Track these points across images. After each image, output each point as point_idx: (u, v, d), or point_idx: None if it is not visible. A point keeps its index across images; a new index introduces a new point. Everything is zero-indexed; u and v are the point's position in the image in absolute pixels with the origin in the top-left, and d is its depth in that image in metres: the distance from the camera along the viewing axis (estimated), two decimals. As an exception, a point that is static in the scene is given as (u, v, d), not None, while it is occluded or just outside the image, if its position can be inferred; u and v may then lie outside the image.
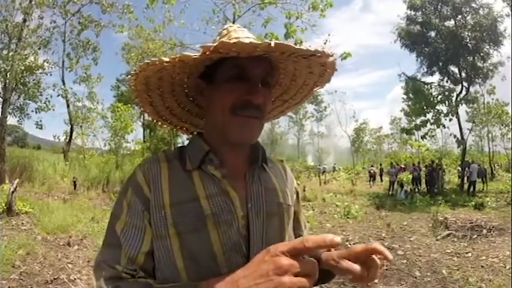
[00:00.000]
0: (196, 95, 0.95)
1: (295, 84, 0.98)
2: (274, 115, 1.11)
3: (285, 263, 0.57)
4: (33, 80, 15.80)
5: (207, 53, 0.71)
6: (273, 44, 0.67)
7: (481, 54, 19.19)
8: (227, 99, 0.82)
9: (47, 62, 16.33)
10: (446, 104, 18.51)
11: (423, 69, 21.09)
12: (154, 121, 1.03)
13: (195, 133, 1.02)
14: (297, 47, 0.71)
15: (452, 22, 19.39)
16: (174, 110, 1.00)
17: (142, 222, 0.80)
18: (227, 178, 0.83)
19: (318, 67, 0.86)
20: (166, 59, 0.75)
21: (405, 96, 23.00)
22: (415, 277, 5.07)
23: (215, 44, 0.68)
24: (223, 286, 0.63)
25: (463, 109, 22.49)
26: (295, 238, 1.04)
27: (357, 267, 0.79)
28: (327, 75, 0.90)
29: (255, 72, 0.81)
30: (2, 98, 13.78)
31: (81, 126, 20.33)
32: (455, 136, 19.09)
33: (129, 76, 0.84)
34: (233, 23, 11.42)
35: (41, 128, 16.37)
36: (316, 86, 0.96)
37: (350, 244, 6.89)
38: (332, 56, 0.79)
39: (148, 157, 0.92)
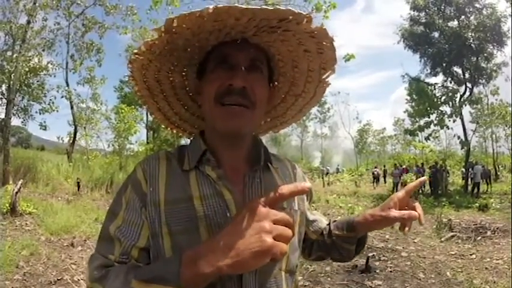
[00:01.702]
0: (197, 96, 0.93)
1: (299, 71, 0.90)
2: (292, 116, 1.04)
3: (266, 225, 0.59)
4: (37, 81, 15.86)
5: (161, 35, 0.70)
6: (211, 9, 0.63)
7: (485, 54, 19.17)
8: (211, 88, 0.79)
9: (51, 64, 16.41)
10: (450, 105, 18.50)
11: (427, 70, 21.15)
12: (169, 128, 1.02)
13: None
14: (259, 7, 0.66)
15: (455, 22, 19.38)
16: (183, 115, 0.99)
17: (140, 219, 0.78)
18: (223, 179, 0.80)
19: (310, 41, 0.79)
20: (135, 51, 0.75)
21: (409, 97, 22.92)
22: (419, 279, 5.05)
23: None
24: (208, 254, 0.61)
25: (466, 110, 22.41)
26: (309, 235, 1.03)
27: (412, 212, 0.89)
28: (327, 51, 0.81)
29: (238, 58, 0.78)
30: (6, 99, 13.83)
31: (84, 128, 20.38)
32: (459, 137, 19.05)
33: (128, 79, 0.85)
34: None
35: (44, 129, 16.42)
36: (323, 69, 0.88)
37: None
38: (310, 16, 0.70)
39: (149, 154, 0.91)
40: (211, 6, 0.63)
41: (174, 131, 1.04)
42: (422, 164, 22.44)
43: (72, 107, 19.42)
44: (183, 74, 0.90)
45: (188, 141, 1.00)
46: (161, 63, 0.82)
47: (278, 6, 0.66)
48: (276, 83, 0.94)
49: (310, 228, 1.03)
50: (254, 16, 0.68)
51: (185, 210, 0.76)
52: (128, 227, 0.78)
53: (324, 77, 0.90)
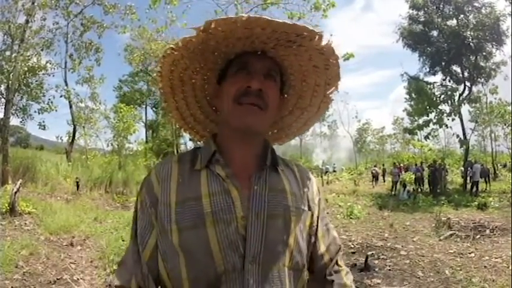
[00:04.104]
0: (215, 100, 1.01)
1: (307, 85, 1.00)
2: (297, 128, 1.12)
3: None
4: (36, 81, 15.78)
5: (199, 33, 0.79)
6: (245, 17, 0.75)
7: (484, 53, 19.15)
8: (231, 90, 0.88)
9: (50, 63, 16.31)
10: (449, 104, 18.50)
11: (426, 68, 21.11)
12: (182, 129, 1.11)
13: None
14: (281, 21, 0.75)
15: (454, 21, 19.36)
16: (198, 117, 1.08)
17: (150, 219, 0.88)
18: (231, 178, 0.86)
19: (319, 57, 0.89)
20: (172, 46, 0.84)
21: (408, 96, 22.86)
22: (418, 277, 5.06)
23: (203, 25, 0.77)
24: None
25: (465, 109, 22.38)
26: (311, 258, 0.97)
27: None
28: (332, 67, 0.91)
29: (257, 66, 0.88)
30: (5, 99, 13.77)
31: (83, 127, 20.32)
32: (458, 136, 19.05)
33: (155, 75, 0.95)
34: (235, 23, 11.56)
35: (43, 129, 16.36)
36: (328, 85, 0.98)
37: (353, 244, 6.89)
38: (321, 35, 0.80)
39: (164, 158, 1.01)
40: (245, 15, 0.75)
41: (187, 132, 1.12)
42: (422, 162, 22.43)
43: (71, 107, 19.37)
44: (205, 77, 0.99)
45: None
46: (191, 61, 0.91)
47: (296, 23, 0.78)
48: (285, 95, 1.02)
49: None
50: (277, 27, 0.78)
51: (194, 207, 0.82)
52: (141, 229, 0.90)
53: (328, 92, 1.00)
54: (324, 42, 0.83)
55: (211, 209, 0.81)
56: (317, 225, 0.99)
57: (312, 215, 0.97)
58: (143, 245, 0.88)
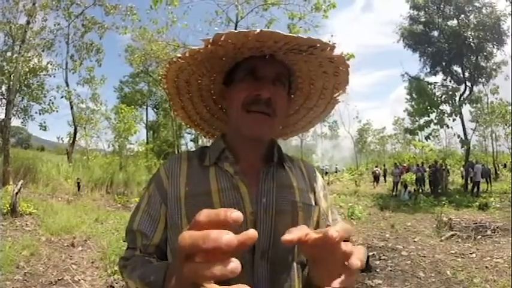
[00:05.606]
0: (221, 100, 1.04)
1: (315, 88, 0.99)
2: (302, 126, 1.13)
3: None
4: (37, 81, 15.78)
5: (208, 46, 0.77)
6: (257, 31, 0.71)
7: (484, 53, 19.15)
8: (239, 96, 0.87)
9: (51, 64, 16.32)
10: (450, 104, 18.44)
11: (426, 69, 21.13)
12: (188, 126, 1.12)
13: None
14: (295, 35, 0.74)
15: (455, 21, 19.36)
16: (204, 115, 1.09)
17: (158, 214, 0.89)
18: (240, 174, 0.88)
19: (329, 64, 0.87)
20: (179, 55, 0.82)
21: (408, 97, 22.78)
22: (420, 278, 5.05)
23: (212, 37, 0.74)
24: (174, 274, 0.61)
25: (466, 109, 22.33)
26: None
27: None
28: (342, 74, 0.90)
29: (266, 72, 0.87)
30: (6, 99, 13.78)
31: (84, 128, 20.36)
32: (459, 136, 18.99)
33: (160, 78, 0.94)
34: (236, 24, 11.49)
35: (44, 130, 16.35)
36: (335, 89, 0.97)
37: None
38: (334, 46, 0.78)
39: (173, 155, 1.02)
40: (258, 29, 0.72)
41: (193, 129, 1.14)
42: (422, 163, 22.39)
43: (72, 107, 19.40)
44: (212, 79, 0.98)
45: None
46: (197, 67, 0.90)
47: (310, 36, 0.75)
48: (292, 96, 1.02)
49: None
50: (290, 42, 0.76)
51: (204, 202, 0.83)
52: (148, 219, 0.90)
53: (335, 95, 1.00)
54: (335, 53, 0.81)
55: (221, 205, 0.82)
56: (326, 218, 1.00)
57: (320, 210, 0.98)
58: (147, 239, 0.88)
